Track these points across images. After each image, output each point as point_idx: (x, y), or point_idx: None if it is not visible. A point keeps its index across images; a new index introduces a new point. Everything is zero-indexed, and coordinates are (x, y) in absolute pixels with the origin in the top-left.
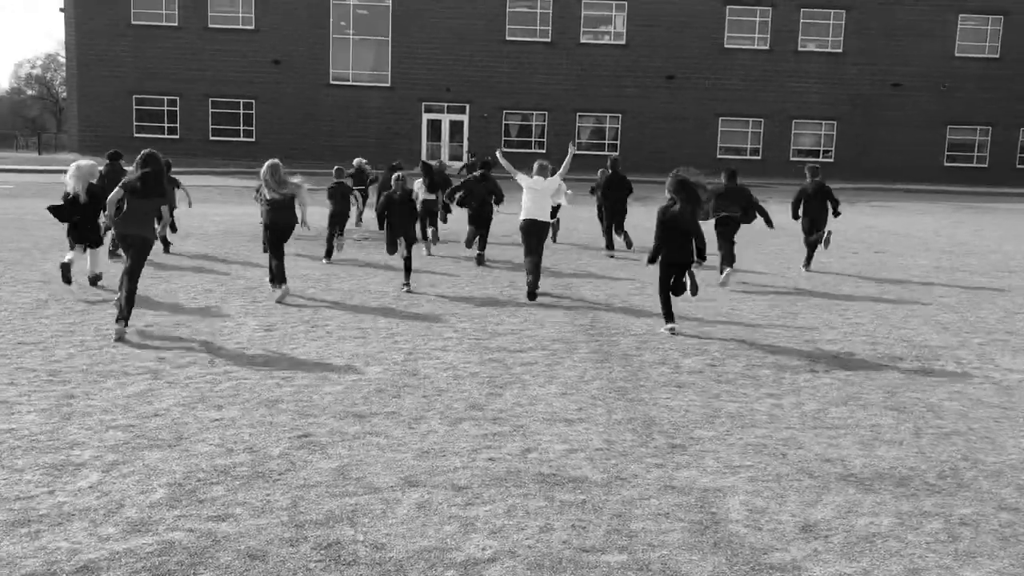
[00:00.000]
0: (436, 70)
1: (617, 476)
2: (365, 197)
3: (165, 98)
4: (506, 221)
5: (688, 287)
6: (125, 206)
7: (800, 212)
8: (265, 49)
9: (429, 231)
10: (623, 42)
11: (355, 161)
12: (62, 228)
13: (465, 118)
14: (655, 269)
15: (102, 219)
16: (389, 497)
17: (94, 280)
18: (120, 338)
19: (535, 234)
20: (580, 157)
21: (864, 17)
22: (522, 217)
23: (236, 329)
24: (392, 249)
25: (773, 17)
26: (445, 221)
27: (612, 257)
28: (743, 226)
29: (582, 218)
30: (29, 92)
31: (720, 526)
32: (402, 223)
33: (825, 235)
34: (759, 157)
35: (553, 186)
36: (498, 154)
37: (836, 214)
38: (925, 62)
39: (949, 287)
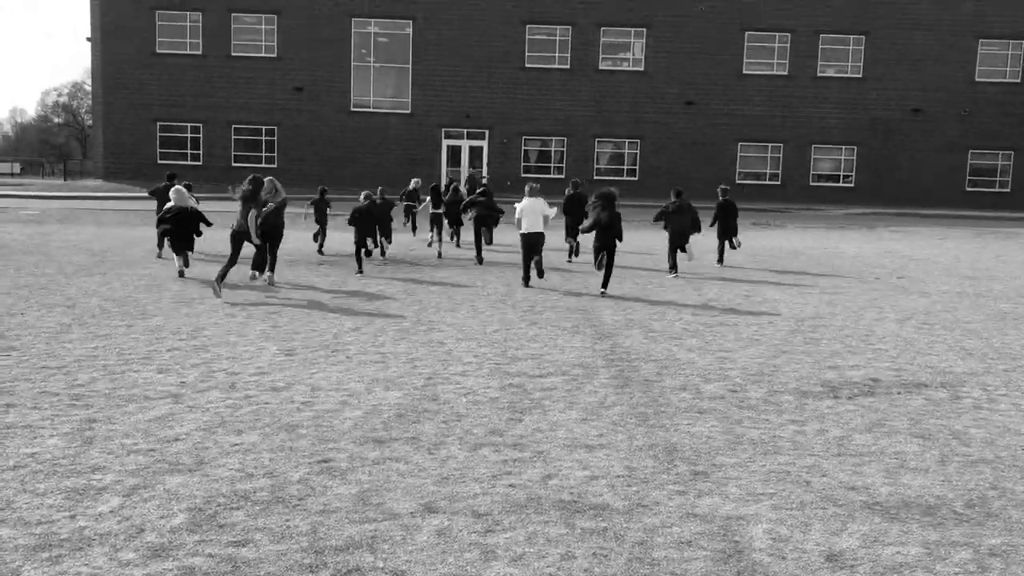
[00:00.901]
0: (456, 96)
1: (639, 503)
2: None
3: (189, 125)
4: (500, 231)
5: (604, 263)
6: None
7: (715, 223)
8: (287, 77)
9: (431, 234)
10: (642, 68)
11: (412, 181)
12: (88, 254)
13: (485, 144)
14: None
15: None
16: (409, 523)
17: (181, 273)
18: (253, 278)
19: (535, 243)
20: (598, 182)
21: (883, 43)
22: (523, 231)
23: (257, 354)
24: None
25: (792, 43)
26: (461, 223)
27: (570, 261)
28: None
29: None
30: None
31: (743, 555)
32: (368, 228)
33: (736, 242)
34: (778, 182)
35: (542, 205)
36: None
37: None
38: (945, 87)
39: (973, 312)
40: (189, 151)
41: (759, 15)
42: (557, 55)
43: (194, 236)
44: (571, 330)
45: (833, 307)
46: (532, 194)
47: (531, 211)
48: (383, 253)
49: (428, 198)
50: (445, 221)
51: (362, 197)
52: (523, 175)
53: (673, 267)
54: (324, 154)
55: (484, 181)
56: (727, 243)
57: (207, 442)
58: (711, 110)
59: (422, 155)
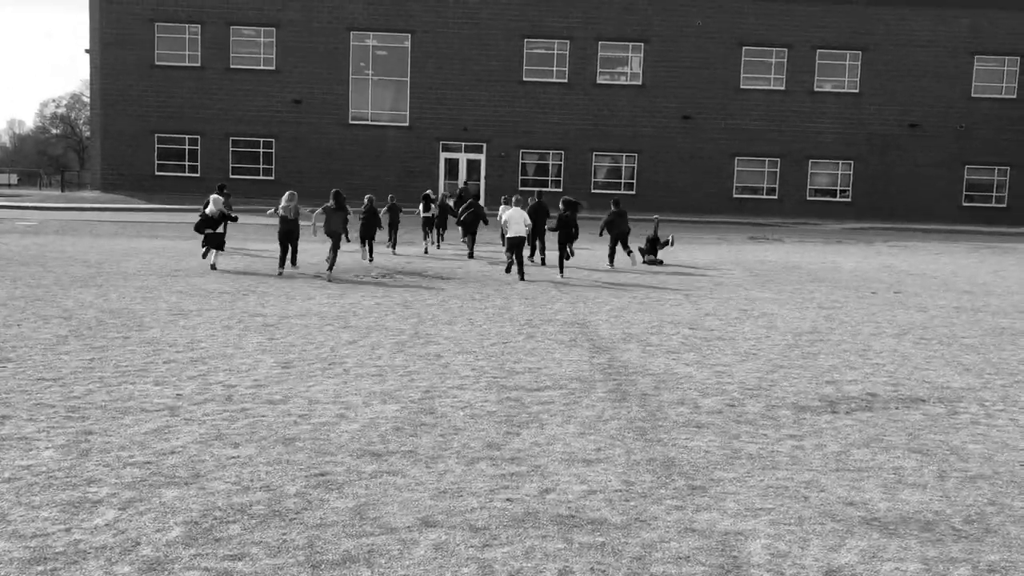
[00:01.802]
0: (454, 110)
1: (637, 518)
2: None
3: (187, 137)
4: (483, 231)
5: (569, 254)
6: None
7: (606, 231)
8: (285, 89)
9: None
10: (639, 82)
11: (441, 193)
12: (84, 265)
13: (482, 157)
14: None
15: (308, 220)
16: (406, 538)
17: (214, 266)
18: (328, 279)
19: (518, 244)
20: (594, 196)
21: (880, 58)
22: (509, 235)
23: (254, 366)
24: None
25: (789, 58)
26: (446, 227)
27: (532, 262)
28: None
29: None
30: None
31: (742, 570)
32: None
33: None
34: (775, 197)
35: (522, 215)
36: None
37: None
38: (942, 103)
39: (970, 328)
40: (187, 163)
41: (756, 30)
42: (555, 69)
43: (224, 235)
44: (569, 343)
45: (831, 322)
46: (517, 204)
47: (514, 220)
48: (365, 257)
49: (420, 206)
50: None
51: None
52: (520, 188)
53: (611, 261)
54: (322, 166)
55: (464, 189)
56: (619, 246)
57: (203, 455)
58: (708, 124)
59: (420, 168)
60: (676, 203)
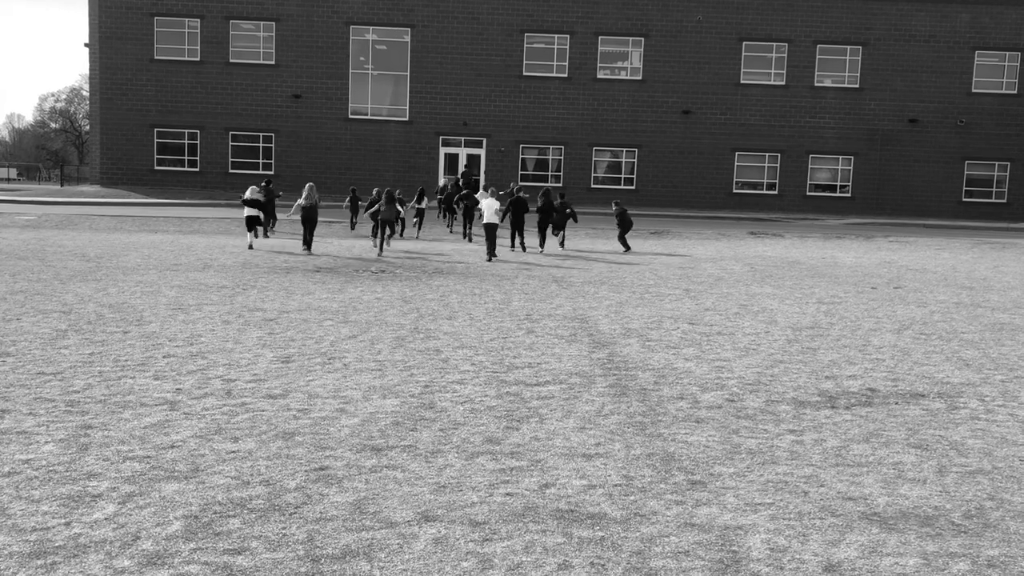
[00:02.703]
0: (454, 104)
1: (636, 512)
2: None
3: (186, 131)
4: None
5: (554, 237)
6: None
7: (544, 222)
8: (285, 84)
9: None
10: (639, 77)
11: (445, 181)
12: (84, 260)
13: (482, 152)
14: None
15: (366, 213)
16: (406, 532)
17: (251, 245)
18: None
19: (492, 229)
20: (595, 190)
21: (881, 53)
22: (484, 222)
23: (253, 360)
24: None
25: (789, 53)
26: (453, 214)
27: (513, 249)
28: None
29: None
30: (53, 125)
31: (741, 565)
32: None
33: (561, 237)
34: (775, 192)
35: (494, 203)
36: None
37: (564, 221)
38: (942, 98)
39: (970, 323)
40: (186, 157)
41: (757, 25)
42: (555, 63)
43: (260, 218)
44: (568, 338)
45: (831, 317)
46: (491, 195)
47: (488, 207)
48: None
49: (415, 199)
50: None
51: (375, 194)
52: (521, 183)
53: (542, 245)
54: (321, 161)
55: (473, 179)
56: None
57: (203, 449)
58: (709, 119)
59: (419, 162)
60: (676, 198)
